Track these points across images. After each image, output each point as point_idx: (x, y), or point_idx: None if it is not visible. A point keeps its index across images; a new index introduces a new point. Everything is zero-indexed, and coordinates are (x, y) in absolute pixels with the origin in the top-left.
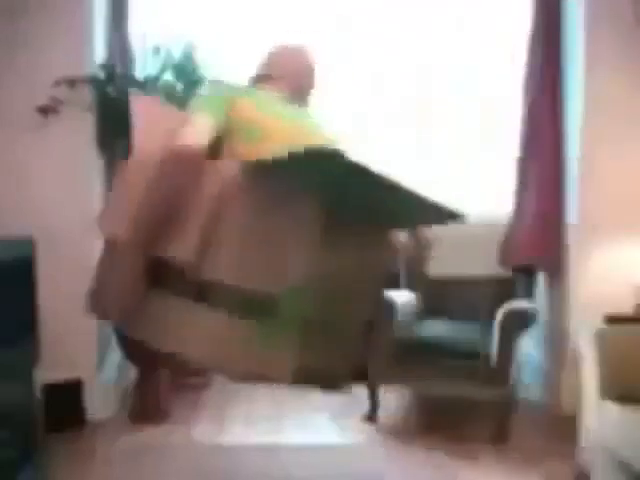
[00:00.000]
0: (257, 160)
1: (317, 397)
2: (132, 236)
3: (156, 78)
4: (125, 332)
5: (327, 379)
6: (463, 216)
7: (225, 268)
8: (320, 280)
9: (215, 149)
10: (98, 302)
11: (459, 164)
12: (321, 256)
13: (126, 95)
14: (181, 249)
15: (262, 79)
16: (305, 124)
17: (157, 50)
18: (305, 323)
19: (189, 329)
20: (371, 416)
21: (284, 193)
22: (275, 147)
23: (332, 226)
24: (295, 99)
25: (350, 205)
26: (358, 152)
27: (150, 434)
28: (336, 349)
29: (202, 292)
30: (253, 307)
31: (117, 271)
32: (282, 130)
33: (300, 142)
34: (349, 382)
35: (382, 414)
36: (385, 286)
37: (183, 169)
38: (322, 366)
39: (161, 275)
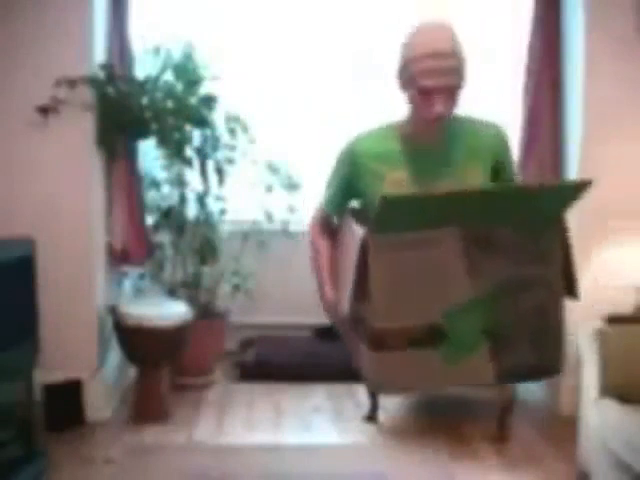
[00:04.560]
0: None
1: (317, 397)
2: None
3: (156, 78)
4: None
5: (534, 372)
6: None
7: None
8: (495, 292)
9: None
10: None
11: None
12: (479, 273)
13: (126, 95)
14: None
15: None
16: None
17: (157, 50)
18: (489, 332)
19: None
20: (371, 416)
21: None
22: None
23: (491, 242)
24: None
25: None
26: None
27: (150, 434)
28: (533, 345)
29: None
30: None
31: None
32: None
33: None
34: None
35: (382, 414)
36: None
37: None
38: (522, 362)
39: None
